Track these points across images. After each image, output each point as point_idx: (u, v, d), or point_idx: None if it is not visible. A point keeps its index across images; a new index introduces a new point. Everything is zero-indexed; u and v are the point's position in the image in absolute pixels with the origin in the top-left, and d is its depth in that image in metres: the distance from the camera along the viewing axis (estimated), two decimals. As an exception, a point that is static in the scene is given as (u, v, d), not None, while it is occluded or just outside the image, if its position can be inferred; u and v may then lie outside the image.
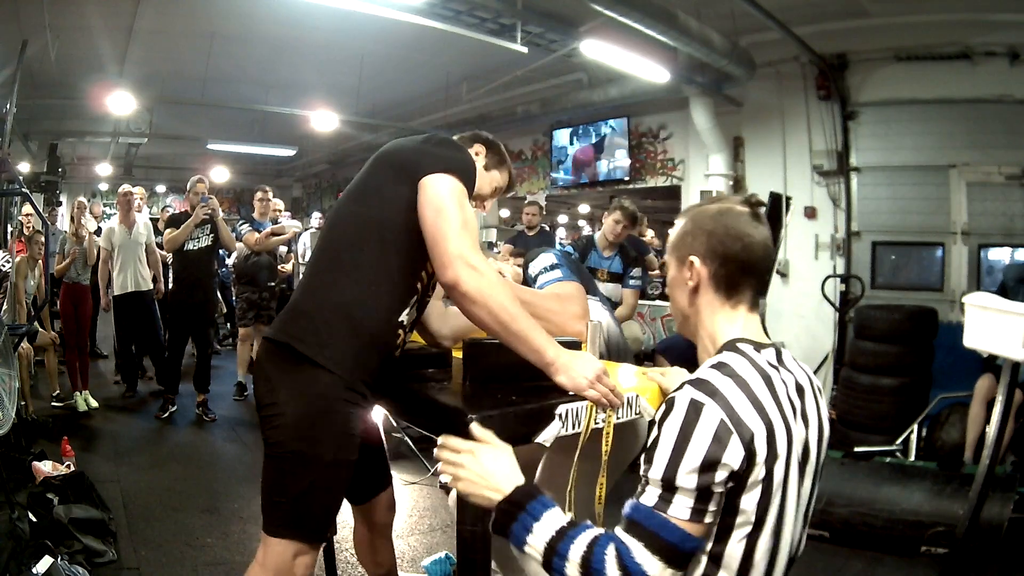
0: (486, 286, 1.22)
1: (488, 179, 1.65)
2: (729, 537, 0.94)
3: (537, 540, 0.95)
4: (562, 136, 7.10)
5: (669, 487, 0.91)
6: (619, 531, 0.93)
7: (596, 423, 1.26)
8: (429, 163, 1.34)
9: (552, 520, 0.96)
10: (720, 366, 0.97)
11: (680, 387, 0.96)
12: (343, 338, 1.31)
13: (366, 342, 1.33)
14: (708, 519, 0.91)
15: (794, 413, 0.97)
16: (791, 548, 0.99)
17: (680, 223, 1.10)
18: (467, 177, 1.36)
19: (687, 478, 0.90)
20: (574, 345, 1.40)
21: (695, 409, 0.91)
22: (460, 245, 1.24)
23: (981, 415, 3.35)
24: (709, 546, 0.95)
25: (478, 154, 1.62)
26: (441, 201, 1.29)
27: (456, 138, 1.64)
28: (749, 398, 0.93)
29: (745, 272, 1.03)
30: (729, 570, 0.95)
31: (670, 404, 0.94)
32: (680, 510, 0.90)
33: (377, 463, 1.70)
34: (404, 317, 1.39)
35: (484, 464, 1.03)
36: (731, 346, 1.01)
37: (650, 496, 0.93)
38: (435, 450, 1.10)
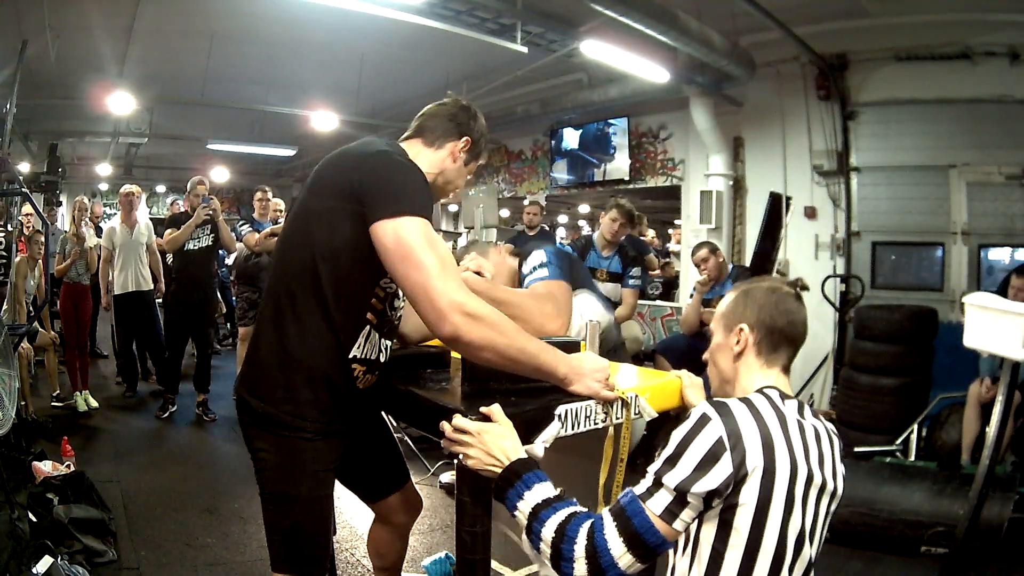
0: (488, 329, 1.16)
1: (464, 173, 1.48)
2: (723, 560, 1.00)
3: (525, 506, 1.06)
4: (566, 135, 7.07)
5: (657, 483, 1.01)
6: (605, 511, 1.04)
7: (617, 419, 1.29)
8: (380, 203, 1.20)
9: (542, 490, 1.07)
10: (743, 399, 1.08)
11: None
12: (299, 389, 1.30)
13: (322, 386, 1.32)
14: (678, 525, 1.00)
15: (805, 452, 1.05)
16: None
17: (731, 296, 1.23)
18: (425, 206, 1.23)
19: (671, 479, 0.99)
20: (574, 345, 1.40)
21: (702, 422, 1.01)
22: (447, 293, 1.14)
23: (976, 418, 3.35)
24: (703, 570, 1.01)
25: (462, 149, 1.44)
26: (407, 250, 1.16)
27: (433, 111, 1.47)
28: (757, 423, 1.02)
29: (786, 343, 1.17)
30: None
31: (690, 413, 1.05)
32: (657, 505, 1.00)
33: (386, 462, 1.69)
34: (356, 352, 1.33)
35: (491, 442, 1.11)
36: (759, 391, 1.12)
37: (641, 486, 1.03)
38: (443, 424, 1.14)
